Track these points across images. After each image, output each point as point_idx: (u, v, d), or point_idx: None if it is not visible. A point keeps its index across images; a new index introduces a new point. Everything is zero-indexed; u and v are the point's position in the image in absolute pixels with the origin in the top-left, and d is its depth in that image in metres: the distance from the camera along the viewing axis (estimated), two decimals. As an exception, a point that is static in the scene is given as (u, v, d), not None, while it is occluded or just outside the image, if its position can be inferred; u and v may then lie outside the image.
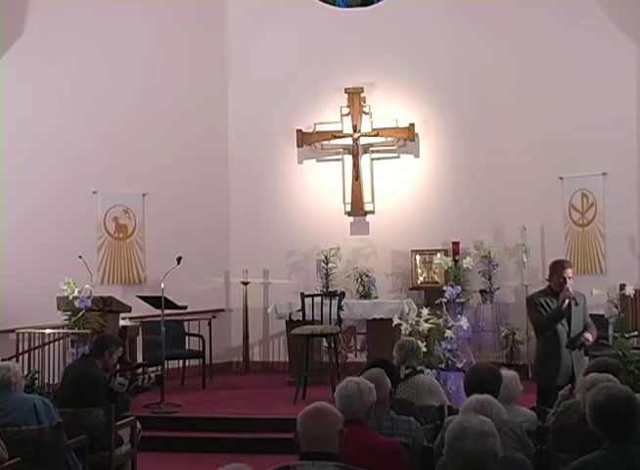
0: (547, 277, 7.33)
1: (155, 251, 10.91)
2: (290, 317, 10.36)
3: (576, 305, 6.86)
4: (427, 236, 11.08)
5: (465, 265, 10.59)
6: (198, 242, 11.09)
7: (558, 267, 7.01)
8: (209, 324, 10.63)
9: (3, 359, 6.79)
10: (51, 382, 8.64)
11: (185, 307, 9.77)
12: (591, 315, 9.42)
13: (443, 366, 8.15)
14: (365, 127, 11.44)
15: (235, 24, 11.82)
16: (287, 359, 10.79)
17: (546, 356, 6.98)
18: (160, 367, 8.87)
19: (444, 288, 9.52)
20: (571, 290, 6.85)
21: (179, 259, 9.03)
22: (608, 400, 3.53)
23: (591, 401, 3.59)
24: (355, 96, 11.42)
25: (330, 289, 10.89)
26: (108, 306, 9.18)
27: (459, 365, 8.16)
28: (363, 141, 11.43)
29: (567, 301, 6.78)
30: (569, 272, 6.92)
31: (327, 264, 11.23)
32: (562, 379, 6.71)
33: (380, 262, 11.40)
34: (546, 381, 6.81)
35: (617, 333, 8.01)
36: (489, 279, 10.90)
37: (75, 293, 8.99)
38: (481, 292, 10.94)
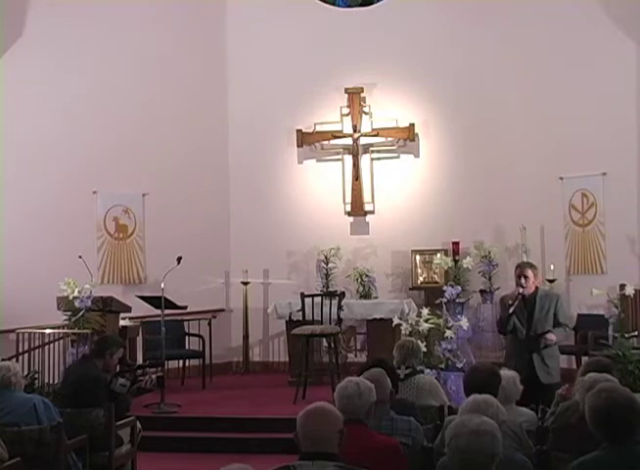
0: None
1: (155, 251, 10.91)
2: (290, 317, 10.36)
3: (511, 304, 6.84)
4: (427, 236, 11.09)
5: (465, 265, 10.60)
6: (198, 242, 11.10)
7: (516, 269, 7.13)
8: (209, 324, 10.63)
9: (3, 359, 6.78)
10: (51, 382, 8.64)
11: (185, 307, 9.77)
12: (591, 315, 9.48)
13: (443, 366, 8.16)
14: (365, 127, 11.44)
15: (235, 25, 11.81)
16: (287, 359, 10.78)
17: (508, 354, 7.11)
18: (160, 368, 8.86)
19: (444, 288, 9.53)
20: (520, 290, 6.89)
21: (179, 259, 9.03)
22: (608, 405, 3.52)
23: (591, 405, 3.58)
24: (355, 96, 11.43)
25: (330, 289, 10.89)
26: (108, 306, 9.18)
27: (459, 365, 8.17)
28: (363, 141, 11.43)
29: (512, 306, 6.83)
30: (525, 272, 6.95)
31: (327, 264, 11.23)
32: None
33: (380, 262, 11.40)
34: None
35: (617, 333, 8.02)
36: (489, 279, 10.90)
37: (75, 293, 8.99)
38: (481, 292, 10.94)
